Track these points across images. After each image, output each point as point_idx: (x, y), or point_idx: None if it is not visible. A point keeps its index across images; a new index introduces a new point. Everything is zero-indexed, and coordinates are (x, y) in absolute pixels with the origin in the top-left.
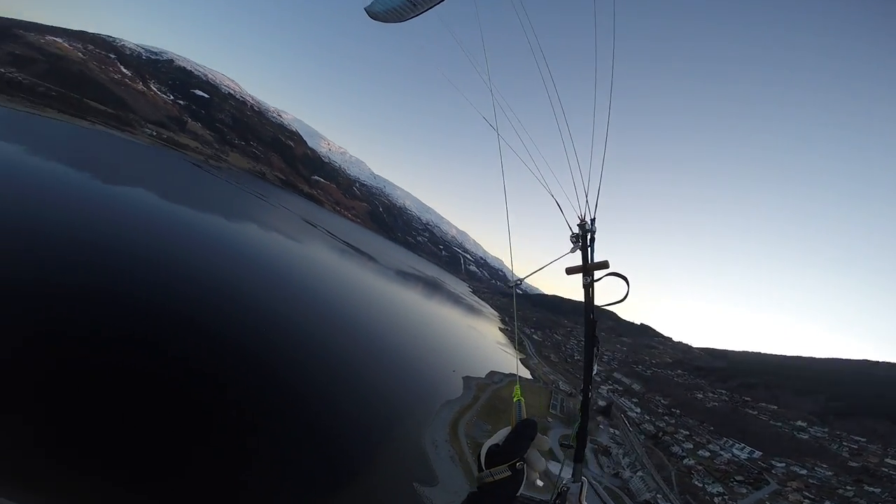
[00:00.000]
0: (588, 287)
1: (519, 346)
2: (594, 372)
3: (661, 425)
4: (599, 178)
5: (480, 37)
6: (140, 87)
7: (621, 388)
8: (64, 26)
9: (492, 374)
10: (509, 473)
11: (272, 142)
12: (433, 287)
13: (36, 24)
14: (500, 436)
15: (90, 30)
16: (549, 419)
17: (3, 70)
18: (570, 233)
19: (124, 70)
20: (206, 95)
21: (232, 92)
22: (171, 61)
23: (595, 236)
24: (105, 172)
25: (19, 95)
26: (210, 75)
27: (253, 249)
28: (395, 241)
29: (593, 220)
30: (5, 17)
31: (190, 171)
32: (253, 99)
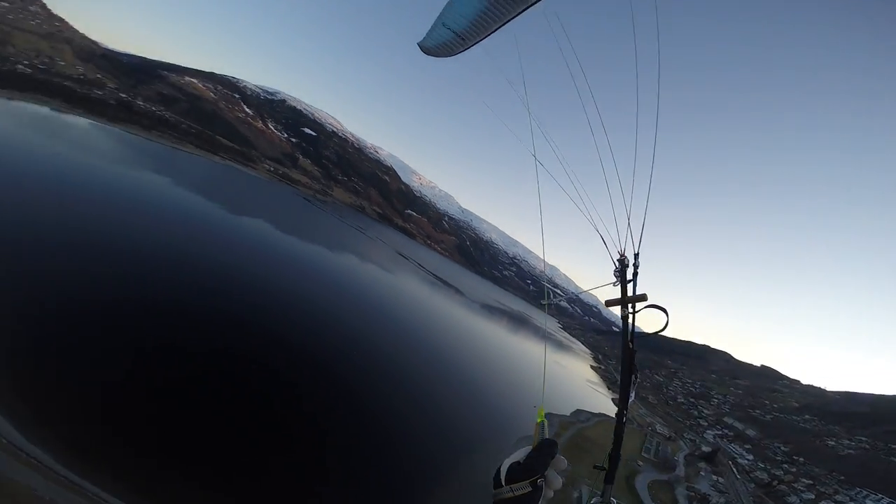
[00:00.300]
0: (626, 319)
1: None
2: (631, 400)
3: (777, 473)
4: (644, 214)
5: (521, 69)
6: (260, 125)
7: (732, 434)
8: (195, 67)
9: (578, 412)
10: (530, 489)
11: (370, 177)
12: (519, 321)
13: (176, 65)
14: (520, 453)
15: (217, 70)
16: (640, 463)
17: (154, 108)
18: (614, 267)
19: (247, 109)
20: (313, 133)
21: (335, 129)
22: (283, 101)
23: (638, 270)
24: (233, 205)
25: (167, 132)
26: (316, 114)
27: (350, 279)
28: (481, 274)
29: (636, 255)
30: (153, 59)
31: (301, 205)
32: (353, 136)
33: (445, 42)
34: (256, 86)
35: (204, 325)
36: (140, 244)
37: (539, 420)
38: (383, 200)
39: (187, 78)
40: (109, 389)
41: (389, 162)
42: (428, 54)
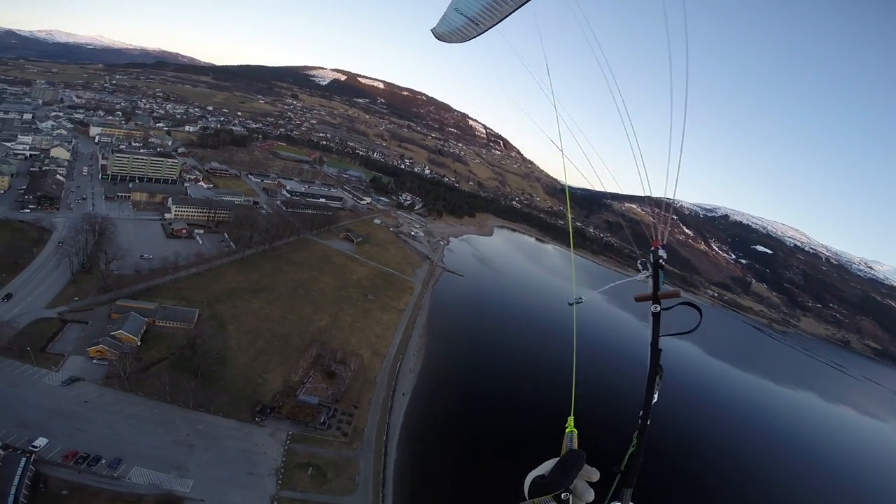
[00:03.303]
0: (658, 316)
1: None
2: (654, 401)
3: None
4: (671, 206)
5: (545, 60)
6: (702, 246)
7: None
8: (634, 193)
9: None
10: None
11: (860, 302)
12: None
13: (618, 194)
14: (545, 466)
15: (651, 194)
16: None
17: (601, 234)
18: (640, 260)
19: (686, 230)
20: (768, 251)
21: (798, 244)
22: (725, 216)
23: (665, 263)
24: (666, 326)
25: (612, 256)
26: (770, 227)
27: (810, 417)
28: None
29: (665, 247)
30: (599, 190)
31: (746, 332)
32: (827, 250)
33: (459, 28)
34: (693, 204)
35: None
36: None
37: (568, 430)
38: (883, 332)
39: (627, 204)
40: None
41: (893, 280)
42: (441, 40)
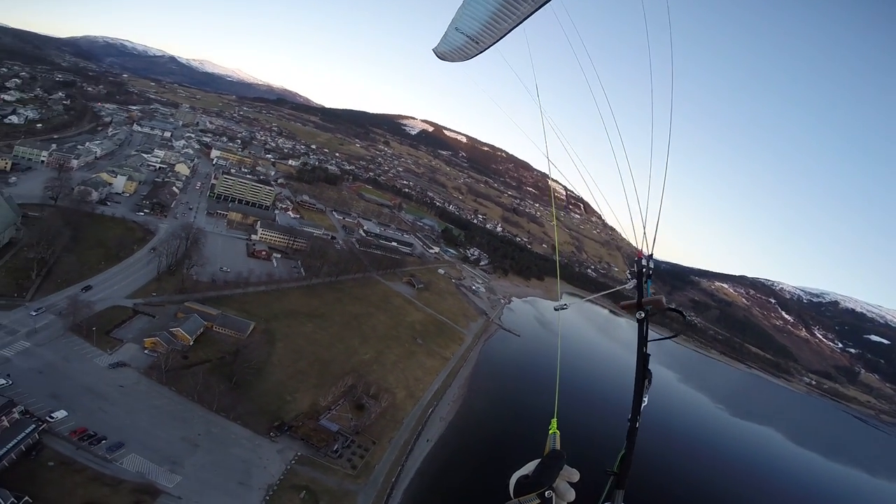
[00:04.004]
0: (643, 322)
1: None
2: (644, 405)
3: None
4: (657, 216)
5: (532, 71)
6: (803, 333)
7: None
8: (726, 272)
9: None
10: (538, 502)
11: None
12: None
13: (708, 271)
14: (529, 467)
15: (748, 274)
16: None
17: (686, 314)
18: (629, 270)
19: (786, 316)
20: (884, 341)
21: None
22: (835, 303)
23: (651, 272)
24: (743, 408)
25: (694, 336)
26: (890, 316)
27: None
28: None
29: (650, 257)
30: (686, 265)
31: (848, 423)
32: None
33: (459, 46)
34: (796, 287)
35: None
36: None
37: (551, 431)
38: None
39: (718, 283)
40: None
41: None
42: (443, 59)
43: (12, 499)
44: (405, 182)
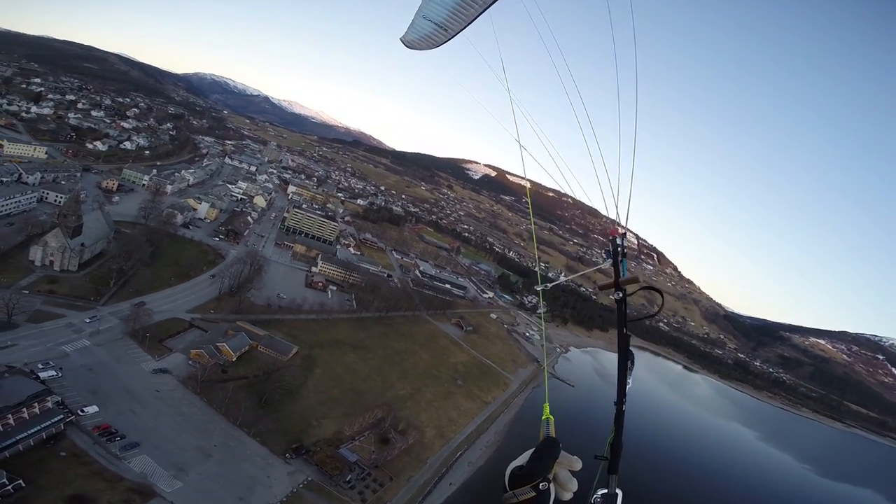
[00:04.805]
0: (620, 302)
1: None
2: (628, 386)
3: None
4: (629, 196)
5: (499, 55)
6: None
7: None
8: (822, 327)
9: None
10: (533, 494)
11: None
12: None
13: (801, 326)
14: (523, 457)
15: (850, 329)
16: None
17: (772, 370)
18: (604, 250)
19: (895, 371)
20: None
21: None
22: None
23: (626, 251)
24: (840, 468)
25: (780, 394)
26: None
27: None
28: None
29: (623, 236)
30: (776, 321)
31: None
32: None
33: (427, 34)
34: None
35: None
36: None
37: (544, 417)
38: None
39: (813, 339)
40: None
41: None
42: (411, 48)
43: (5, 479)
44: (465, 226)
